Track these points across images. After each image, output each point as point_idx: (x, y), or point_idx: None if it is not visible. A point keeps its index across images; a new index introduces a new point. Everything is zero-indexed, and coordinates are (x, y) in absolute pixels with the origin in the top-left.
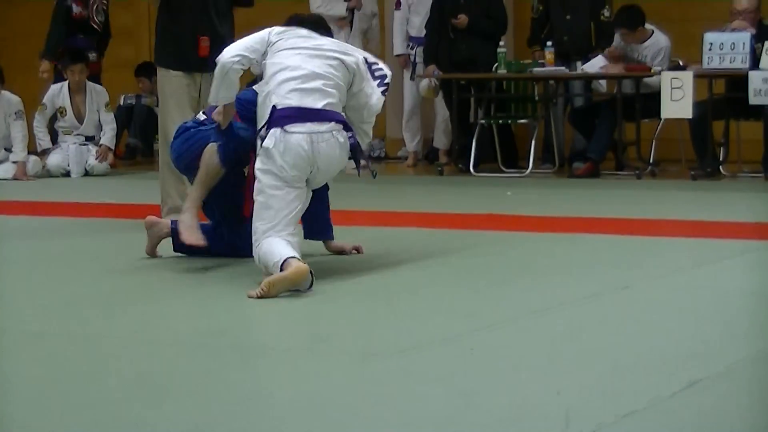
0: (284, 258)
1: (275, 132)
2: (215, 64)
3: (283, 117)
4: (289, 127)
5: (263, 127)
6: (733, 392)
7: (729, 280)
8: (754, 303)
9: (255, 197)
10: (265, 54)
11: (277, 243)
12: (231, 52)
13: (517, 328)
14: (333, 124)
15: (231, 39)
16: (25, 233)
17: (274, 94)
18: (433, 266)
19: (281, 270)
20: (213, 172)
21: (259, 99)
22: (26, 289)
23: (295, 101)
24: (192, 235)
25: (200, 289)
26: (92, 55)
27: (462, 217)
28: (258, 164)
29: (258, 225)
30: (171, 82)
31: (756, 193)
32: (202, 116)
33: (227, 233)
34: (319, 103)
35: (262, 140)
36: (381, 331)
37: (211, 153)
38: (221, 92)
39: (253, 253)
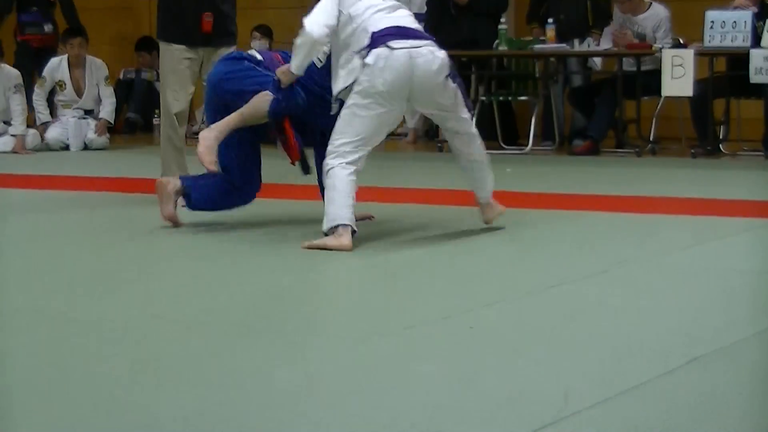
0: (337, 224)
1: (378, 51)
2: (218, 40)
3: (384, 35)
4: (392, 43)
5: (362, 50)
6: (733, 370)
7: (729, 258)
8: (754, 281)
9: (342, 112)
10: (340, 14)
11: (340, 193)
12: (320, 28)
13: (516, 306)
14: (430, 41)
15: (232, 16)
16: (24, 207)
17: (368, 23)
18: (432, 244)
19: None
20: (258, 116)
21: (346, 36)
22: (26, 265)
23: (392, 23)
24: (208, 156)
25: (198, 267)
26: (47, 27)
27: (461, 193)
28: (356, 85)
29: (335, 138)
30: (173, 57)
31: (756, 171)
32: (257, 55)
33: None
34: (413, 25)
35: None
36: (380, 309)
37: (264, 100)
38: (304, 62)
39: (324, 171)
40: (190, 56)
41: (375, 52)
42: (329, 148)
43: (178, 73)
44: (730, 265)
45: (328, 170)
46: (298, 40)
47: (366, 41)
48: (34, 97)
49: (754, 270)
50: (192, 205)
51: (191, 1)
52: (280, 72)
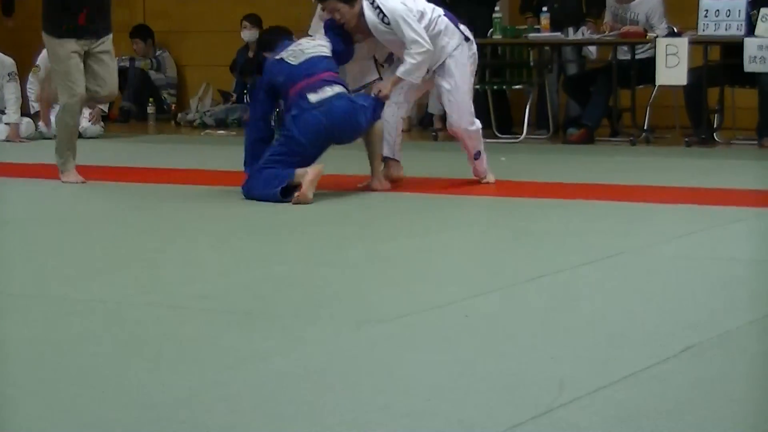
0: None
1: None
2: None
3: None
4: None
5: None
6: (728, 359)
7: (724, 247)
8: (748, 270)
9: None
10: None
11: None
12: (425, 43)
13: (511, 294)
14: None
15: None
16: (19, 196)
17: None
18: (427, 233)
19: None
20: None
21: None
22: (22, 252)
23: None
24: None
25: (195, 252)
26: None
27: (456, 182)
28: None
29: None
30: (64, 50)
31: (750, 160)
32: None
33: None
34: None
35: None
36: (375, 297)
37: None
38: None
39: None
40: (76, 48)
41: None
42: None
43: (71, 63)
44: (724, 254)
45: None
46: (419, 57)
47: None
48: (28, 86)
49: (749, 258)
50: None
51: None
52: (385, 88)
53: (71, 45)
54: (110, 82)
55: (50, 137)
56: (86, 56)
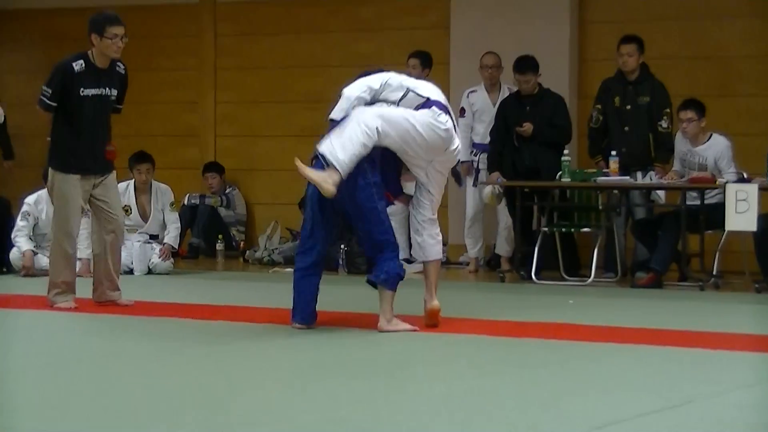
0: None
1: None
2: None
3: None
4: None
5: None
6: None
7: None
8: None
9: None
10: None
11: None
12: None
13: None
14: None
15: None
16: (88, 331)
17: None
18: (494, 375)
19: None
20: None
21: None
22: (84, 391)
23: None
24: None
25: (263, 394)
26: None
27: (523, 325)
28: None
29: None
30: (69, 185)
31: None
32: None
33: None
34: None
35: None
36: None
37: None
38: None
39: None
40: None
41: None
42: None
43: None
44: None
45: None
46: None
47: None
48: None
49: None
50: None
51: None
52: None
53: (74, 181)
54: (115, 206)
55: (121, 273)
56: (91, 191)
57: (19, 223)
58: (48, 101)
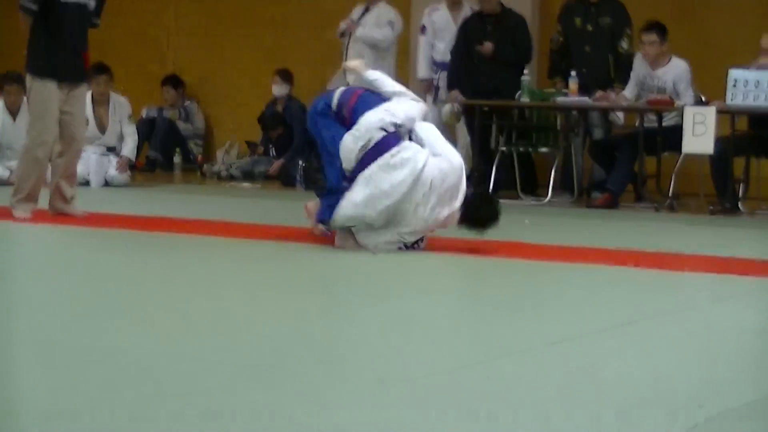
0: None
1: None
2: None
3: None
4: None
5: None
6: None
7: (745, 317)
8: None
9: None
10: None
11: None
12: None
13: (531, 358)
14: None
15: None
16: (44, 242)
17: None
18: (450, 293)
19: None
20: None
21: None
22: (38, 301)
23: None
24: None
25: (219, 305)
26: None
27: (480, 244)
28: None
29: None
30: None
31: None
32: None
33: None
34: None
35: None
36: (396, 356)
37: None
38: None
39: None
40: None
41: None
42: None
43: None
44: (745, 325)
45: None
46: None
47: None
48: None
49: None
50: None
51: (68, 39)
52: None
53: (51, 87)
54: (74, 127)
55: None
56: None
57: None
58: (29, 4)
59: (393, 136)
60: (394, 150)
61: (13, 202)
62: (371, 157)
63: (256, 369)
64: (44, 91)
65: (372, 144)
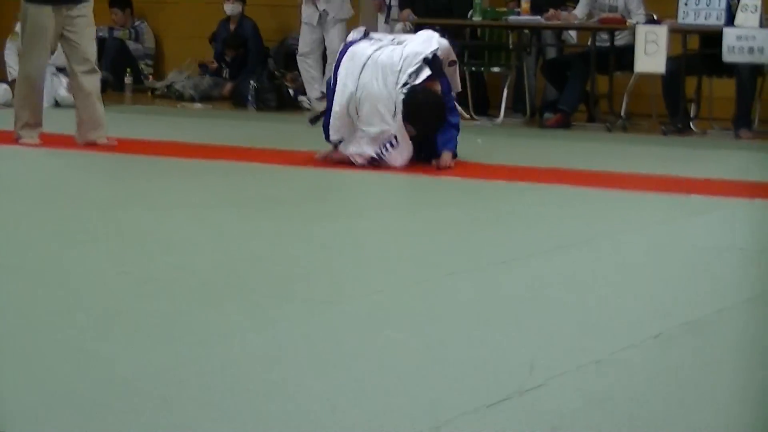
0: None
1: None
2: None
3: None
4: None
5: None
6: (697, 347)
7: (697, 236)
8: (719, 259)
9: None
10: None
11: None
12: None
13: (484, 276)
14: None
15: None
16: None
17: None
18: (400, 212)
19: None
20: None
21: None
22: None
23: None
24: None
25: (169, 225)
26: None
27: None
28: None
29: None
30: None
31: (726, 150)
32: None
33: None
34: None
35: None
36: (347, 276)
37: None
38: None
39: None
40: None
41: None
42: None
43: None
44: (697, 243)
45: None
46: None
47: None
48: (6, 52)
49: (721, 247)
50: None
51: None
52: None
53: (47, 12)
54: (82, 48)
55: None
56: (63, 23)
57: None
58: None
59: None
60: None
61: (17, 131)
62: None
63: (205, 289)
64: (39, 16)
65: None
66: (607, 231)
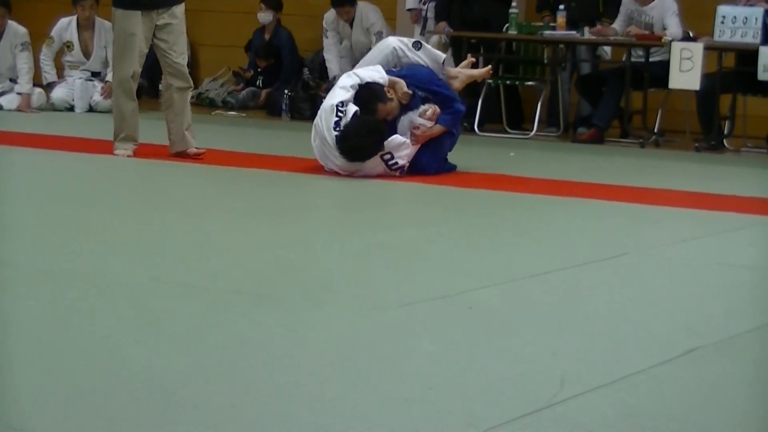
0: None
1: None
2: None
3: None
4: None
5: None
6: (729, 363)
7: (728, 253)
8: (752, 277)
9: None
10: None
11: None
12: None
13: (515, 289)
14: None
15: None
16: (28, 166)
17: None
18: (434, 224)
19: None
20: None
21: None
22: (30, 224)
23: None
24: None
25: (203, 232)
26: None
27: (464, 176)
28: None
29: None
30: (130, 22)
31: (759, 168)
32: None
33: None
34: None
35: None
36: (381, 285)
37: None
38: None
39: None
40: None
41: None
42: None
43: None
44: (728, 260)
45: None
46: None
47: None
48: (41, 57)
49: (753, 265)
50: None
51: None
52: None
53: (136, 18)
54: (173, 58)
55: (61, 109)
56: (153, 29)
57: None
58: None
59: None
60: None
61: (115, 143)
62: None
63: (237, 296)
64: (127, 22)
65: None
66: (639, 246)
